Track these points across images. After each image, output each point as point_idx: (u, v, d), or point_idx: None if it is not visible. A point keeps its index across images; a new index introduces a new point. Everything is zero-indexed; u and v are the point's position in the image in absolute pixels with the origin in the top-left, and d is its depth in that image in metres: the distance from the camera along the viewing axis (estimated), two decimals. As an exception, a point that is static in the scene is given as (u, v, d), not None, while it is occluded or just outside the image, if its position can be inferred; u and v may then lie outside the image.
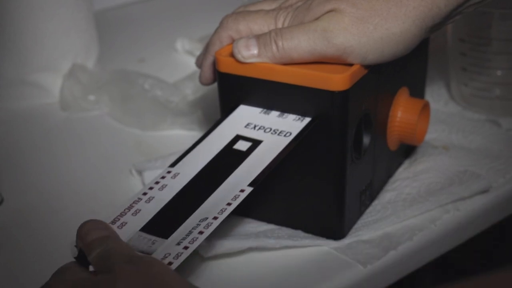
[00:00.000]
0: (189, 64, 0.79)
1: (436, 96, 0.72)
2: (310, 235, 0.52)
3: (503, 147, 0.63)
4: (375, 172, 0.55)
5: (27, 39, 0.72)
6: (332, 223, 0.51)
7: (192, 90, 0.73)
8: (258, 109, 0.51)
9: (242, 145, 0.49)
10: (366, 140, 0.52)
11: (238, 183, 0.46)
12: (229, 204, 0.45)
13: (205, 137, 0.51)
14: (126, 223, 0.45)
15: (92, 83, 0.73)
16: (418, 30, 0.47)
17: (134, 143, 0.67)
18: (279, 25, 0.50)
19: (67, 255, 0.49)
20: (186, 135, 0.67)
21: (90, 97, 0.72)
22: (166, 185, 0.48)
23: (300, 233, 0.52)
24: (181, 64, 0.83)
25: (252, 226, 0.53)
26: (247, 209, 0.53)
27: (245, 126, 0.51)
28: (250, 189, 0.45)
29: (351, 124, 0.48)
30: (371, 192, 0.55)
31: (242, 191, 0.45)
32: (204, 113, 0.68)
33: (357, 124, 0.50)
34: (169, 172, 0.49)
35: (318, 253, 0.51)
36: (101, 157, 0.65)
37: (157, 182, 0.48)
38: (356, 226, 0.53)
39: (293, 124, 0.49)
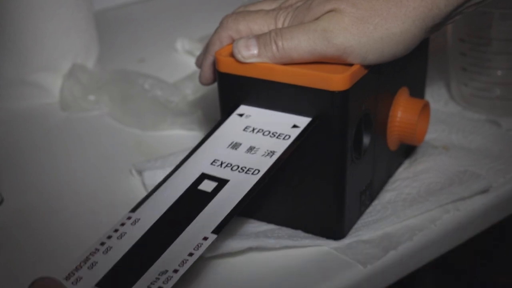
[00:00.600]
0: (189, 64, 0.79)
1: (436, 96, 0.72)
2: (310, 235, 0.52)
3: (503, 147, 0.63)
4: (375, 172, 0.55)
5: (27, 39, 0.72)
6: (332, 223, 0.51)
7: (192, 90, 0.73)
8: (226, 143, 0.49)
9: (207, 185, 0.47)
10: (366, 140, 0.52)
11: (202, 230, 0.44)
12: (191, 254, 0.42)
13: (170, 176, 0.48)
14: (81, 277, 0.42)
15: (92, 83, 0.73)
16: (418, 31, 0.47)
17: (134, 143, 0.67)
18: (279, 25, 0.50)
19: (67, 255, 0.49)
20: (186, 135, 0.67)
21: (90, 97, 0.72)
22: (125, 233, 0.45)
23: (300, 233, 0.52)
24: (181, 64, 0.83)
25: (252, 226, 0.53)
26: (247, 209, 0.53)
27: (211, 163, 0.48)
28: (214, 236, 0.43)
29: (351, 124, 0.48)
30: (371, 192, 0.55)
31: (205, 239, 0.43)
32: (204, 113, 0.68)
33: (357, 124, 0.50)
34: (129, 218, 0.46)
35: (318, 253, 0.51)
36: (101, 157, 0.65)
37: (116, 230, 0.45)
38: (356, 226, 0.53)
39: (261, 160, 0.47)
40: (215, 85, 0.53)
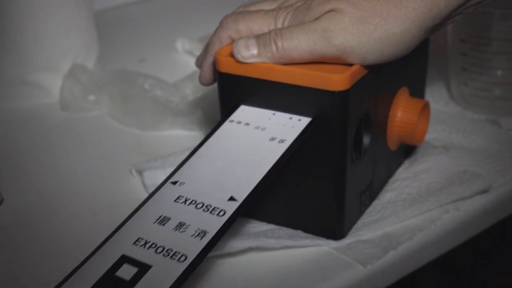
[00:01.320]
0: (189, 64, 0.79)
1: (436, 96, 0.72)
2: (310, 235, 0.52)
3: (503, 147, 0.63)
4: (375, 172, 0.55)
5: (27, 39, 0.72)
6: (332, 223, 0.51)
7: (192, 90, 0.73)
8: (154, 217, 0.43)
9: (126, 271, 0.40)
10: (366, 140, 0.52)
11: None
12: None
13: (92, 255, 0.42)
14: None
15: (92, 83, 0.73)
16: (418, 31, 0.47)
17: (134, 143, 0.67)
18: (279, 25, 0.50)
19: (67, 255, 0.49)
20: (186, 135, 0.67)
21: (90, 97, 0.72)
22: None
23: (300, 233, 0.52)
24: (181, 64, 0.83)
25: (252, 226, 0.53)
26: (247, 209, 0.53)
27: (135, 243, 0.41)
28: None
29: (351, 124, 0.48)
30: (371, 192, 0.55)
31: None
32: (204, 113, 0.68)
33: (357, 124, 0.50)
34: None
35: (318, 253, 0.51)
36: (101, 157, 0.65)
37: None
38: (356, 226, 0.53)
39: (190, 242, 0.41)
40: (215, 85, 0.53)
